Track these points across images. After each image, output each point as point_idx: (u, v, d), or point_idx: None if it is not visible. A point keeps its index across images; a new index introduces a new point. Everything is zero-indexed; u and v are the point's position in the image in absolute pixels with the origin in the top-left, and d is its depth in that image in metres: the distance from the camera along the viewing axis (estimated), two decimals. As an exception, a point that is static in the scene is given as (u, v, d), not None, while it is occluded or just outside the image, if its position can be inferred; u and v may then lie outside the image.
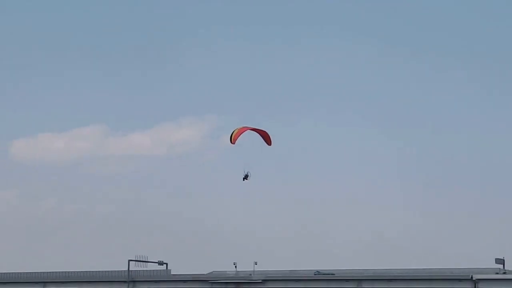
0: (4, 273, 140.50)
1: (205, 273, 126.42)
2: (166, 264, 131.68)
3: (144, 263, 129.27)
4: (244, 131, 41.97)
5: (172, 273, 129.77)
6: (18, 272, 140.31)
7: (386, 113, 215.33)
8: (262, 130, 43.77)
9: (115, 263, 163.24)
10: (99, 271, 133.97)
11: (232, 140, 41.28)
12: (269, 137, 43.96)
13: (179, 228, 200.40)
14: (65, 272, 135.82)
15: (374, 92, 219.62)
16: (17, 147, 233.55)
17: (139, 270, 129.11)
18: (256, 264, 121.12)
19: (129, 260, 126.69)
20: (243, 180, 41.47)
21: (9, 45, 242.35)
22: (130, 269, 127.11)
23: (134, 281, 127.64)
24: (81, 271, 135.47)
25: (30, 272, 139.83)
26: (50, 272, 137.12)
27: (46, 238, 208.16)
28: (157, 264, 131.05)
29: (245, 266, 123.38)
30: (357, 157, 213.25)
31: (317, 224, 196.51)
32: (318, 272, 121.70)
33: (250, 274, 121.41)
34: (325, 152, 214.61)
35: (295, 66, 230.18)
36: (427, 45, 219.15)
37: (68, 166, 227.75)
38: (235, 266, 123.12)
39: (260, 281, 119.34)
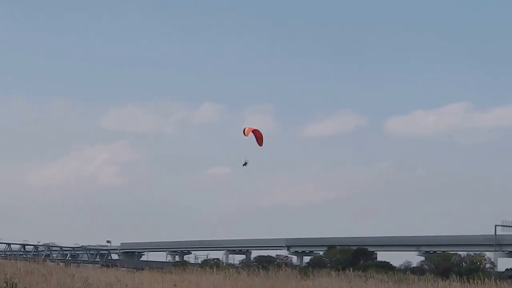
0: (379, 236, 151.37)
1: None
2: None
3: (511, 227, 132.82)
4: (252, 130, 46.75)
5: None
6: (392, 236, 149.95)
7: None
8: (258, 131, 47.60)
9: (481, 228, 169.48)
10: (465, 235, 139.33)
11: (246, 134, 46.28)
12: (262, 138, 47.23)
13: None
14: (436, 236, 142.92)
15: None
16: (393, 123, 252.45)
17: (505, 235, 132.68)
18: None
19: (496, 225, 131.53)
20: (243, 166, 46.56)
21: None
22: (496, 233, 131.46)
23: (500, 245, 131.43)
24: (449, 236, 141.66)
25: (403, 236, 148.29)
26: (423, 236, 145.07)
27: (418, 205, 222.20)
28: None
29: None
30: None
31: None
32: None
33: None
34: None
35: None
36: None
37: (437, 139, 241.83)
38: None
39: None
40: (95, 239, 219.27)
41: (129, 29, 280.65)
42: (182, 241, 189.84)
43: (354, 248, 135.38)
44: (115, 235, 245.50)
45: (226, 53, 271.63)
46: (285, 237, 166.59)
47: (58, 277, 42.66)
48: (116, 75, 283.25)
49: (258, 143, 48.10)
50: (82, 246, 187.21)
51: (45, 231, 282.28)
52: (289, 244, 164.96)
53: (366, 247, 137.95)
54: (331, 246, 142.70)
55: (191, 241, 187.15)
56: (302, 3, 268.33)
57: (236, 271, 51.05)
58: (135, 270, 71.52)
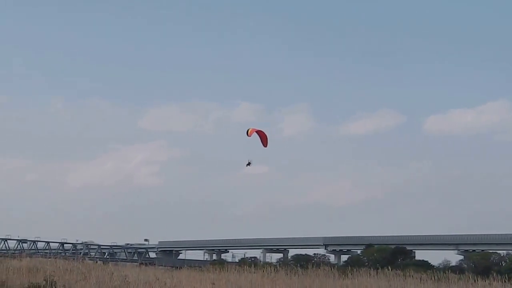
0: (417, 235, 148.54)
1: None
2: None
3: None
4: (256, 130, 45.70)
5: None
6: (431, 235, 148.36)
7: None
8: (262, 132, 46.29)
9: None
10: (505, 234, 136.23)
11: (249, 134, 45.19)
12: (267, 139, 45.86)
13: None
14: (475, 235, 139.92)
15: None
16: (431, 122, 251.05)
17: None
18: None
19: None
20: (247, 165, 45.68)
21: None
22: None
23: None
24: (488, 234, 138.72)
25: (442, 235, 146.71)
26: (462, 234, 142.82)
27: (457, 203, 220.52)
28: None
29: None
30: None
31: None
32: None
33: None
34: None
35: None
36: None
37: (475, 138, 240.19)
38: None
39: None
40: (133, 238, 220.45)
41: (167, 31, 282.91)
42: (219, 240, 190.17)
43: (392, 247, 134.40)
44: (153, 233, 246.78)
45: (263, 53, 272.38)
46: (323, 235, 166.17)
47: (97, 275, 42.99)
48: (154, 76, 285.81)
49: (262, 144, 47.59)
50: (127, 244, 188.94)
51: (84, 230, 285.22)
52: (327, 243, 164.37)
53: (404, 246, 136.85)
54: (369, 245, 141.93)
55: (228, 239, 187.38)
56: (341, 5, 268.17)
57: (274, 269, 50.85)
58: (173, 268, 71.82)
